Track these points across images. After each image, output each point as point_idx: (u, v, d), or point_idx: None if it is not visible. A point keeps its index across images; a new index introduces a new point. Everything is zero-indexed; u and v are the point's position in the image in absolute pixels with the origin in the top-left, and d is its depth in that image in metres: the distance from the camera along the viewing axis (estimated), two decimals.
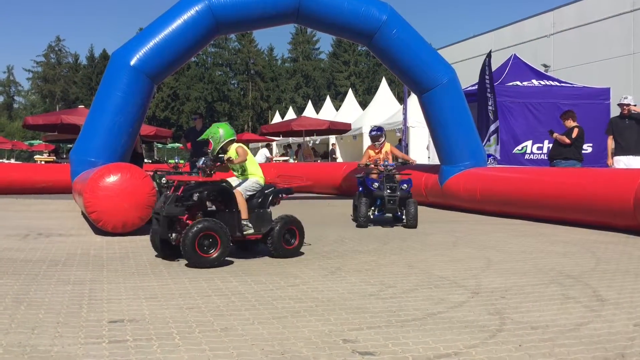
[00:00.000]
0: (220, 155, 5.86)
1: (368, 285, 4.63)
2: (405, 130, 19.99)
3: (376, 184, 8.54)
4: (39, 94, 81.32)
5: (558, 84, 15.77)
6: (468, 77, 19.08)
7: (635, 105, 10.50)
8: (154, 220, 5.79)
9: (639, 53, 22.37)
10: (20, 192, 14.67)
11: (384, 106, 28.50)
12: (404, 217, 8.46)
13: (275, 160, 28.19)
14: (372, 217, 8.56)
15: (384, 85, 31.41)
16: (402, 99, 22.59)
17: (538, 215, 9.13)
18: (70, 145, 19.70)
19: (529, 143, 14.79)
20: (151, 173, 9.68)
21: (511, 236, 7.53)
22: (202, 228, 5.28)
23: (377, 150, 9.42)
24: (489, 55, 14.04)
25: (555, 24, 27.02)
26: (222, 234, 5.34)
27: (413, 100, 16.70)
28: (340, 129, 25.32)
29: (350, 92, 38.82)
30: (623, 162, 10.24)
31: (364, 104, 40.25)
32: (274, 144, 38.55)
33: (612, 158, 10.66)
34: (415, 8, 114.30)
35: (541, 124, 14.26)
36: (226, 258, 5.48)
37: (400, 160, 9.02)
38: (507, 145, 14.33)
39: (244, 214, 5.74)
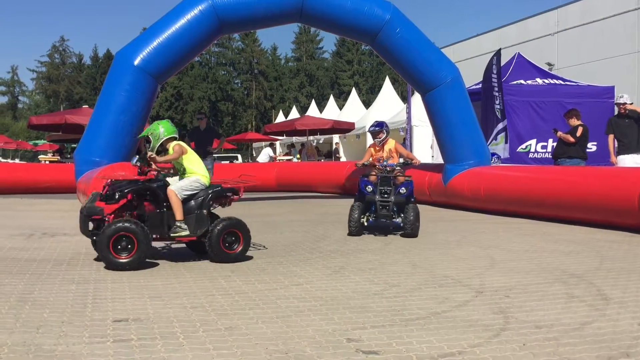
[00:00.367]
0: (145, 153, 5.65)
1: (372, 284, 4.63)
2: (409, 129, 19.96)
3: (370, 186, 7.55)
4: (43, 94, 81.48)
5: (562, 82, 15.73)
6: (472, 76, 19.05)
7: (631, 104, 10.49)
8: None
9: None
10: (25, 192, 14.71)
11: (388, 105, 28.47)
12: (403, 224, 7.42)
13: (279, 160, 28.18)
14: (365, 224, 7.52)
15: (387, 84, 31.38)
16: (405, 98, 22.58)
17: (542, 214, 9.11)
18: (75, 145, 19.73)
19: (533, 142, 14.75)
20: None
21: (515, 235, 7.52)
22: (117, 229, 5.11)
23: (378, 148, 8.46)
24: (497, 54, 13.98)
25: (559, 22, 26.96)
26: (140, 235, 5.13)
27: (417, 99, 16.66)
28: (343, 128, 25.32)
29: (353, 91, 38.78)
30: (628, 160, 10.20)
31: (367, 103, 40.22)
32: (277, 143, 38.59)
33: (615, 157, 10.63)
34: (419, 7, 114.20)
35: (545, 123, 14.21)
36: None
37: (401, 159, 8.13)
38: (511, 143, 14.29)
39: (178, 214, 5.48)
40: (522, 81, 15.21)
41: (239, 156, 37.62)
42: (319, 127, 24.46)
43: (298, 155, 27.87)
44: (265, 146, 36.50)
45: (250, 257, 5.82)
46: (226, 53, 76.31)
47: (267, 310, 3.83)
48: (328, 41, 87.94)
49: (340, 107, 40.19)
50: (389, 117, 25.80)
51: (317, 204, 12.70)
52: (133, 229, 5.13)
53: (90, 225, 5.49)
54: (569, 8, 26.47)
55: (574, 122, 10.74)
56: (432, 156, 19.33)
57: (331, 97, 42.87)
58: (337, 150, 30.80)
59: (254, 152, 47.88)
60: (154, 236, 5.46)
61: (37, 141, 52.74)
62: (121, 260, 5.12)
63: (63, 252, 6.10)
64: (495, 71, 13.59)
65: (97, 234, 5.31)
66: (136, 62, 9.19)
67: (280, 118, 45.33)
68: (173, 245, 6.41)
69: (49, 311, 3.78)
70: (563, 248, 6.43)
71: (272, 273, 5.08)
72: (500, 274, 5.01)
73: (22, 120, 72.12)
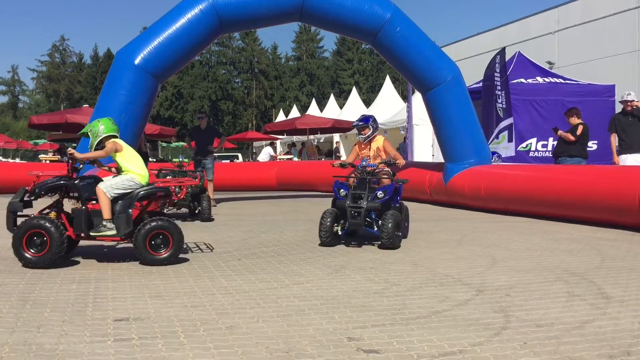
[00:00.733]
0: (69, 150, 5.63)
1: (372, 283, 4.63)
2: (409, 128, 19.95)
3: (343, 190, 6.63)
4: (44, 93, 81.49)
5: (563, 81, 15.73)
6: (472, 75, 19.03)
7: (639, 102, 10.44)
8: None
9: None
10: None
11: (388, 104, 28.45)
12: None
13: (280, 159, 28.19)
14: (340, 233, 6.55)
15: (387, 83, 31.36)
16: (406, 97, 22.54)
17: (543, 213, 9.10)
18: (75, 144, 19.74)
19: (533, 140, 14.75)
20: (156, 172, 9.70)
21: (516, 234, 7.52)
22: (30, 226, 5.10)
23: (363, 146, 7.60)
24: (501, 53, 13.95)
25: (560, 20, 26.94)
26: (54, 232, 5.09)
27: (417, 98, 16.65)
28: (344, 127, 25.29)
29: (354, 90, 38.74)
30: (629, 160, 10.17)
31: (368, 102, 40.16)
32: (278, 142, 38.58)
33: (617, 155, 10.61)
34: (419, 6, 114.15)
35: (546, 122, 14.21)
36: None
37: (385, 159, 7.26)
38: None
39: (105, 213, 5.37)
40: (522, 80, 15.21)
41: (240, 155, 37.66)
42: (320, 126, 24.46)
43: (298, 155, 27.86)
44: (266, 145, 36.51)
45: (251, 256, 5.81)
46: (226, 52, 76.28)
47: (267, 309, 3.83)
48: (328, 40, 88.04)
49: (341, 106, 40.16)
50: (389, 116, 25.80)
51: (317, 202, 12.70)
52: (46, 227, 5.11)
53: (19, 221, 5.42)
54: (570, 6, 26.44)
55: (574, 120, 10.72)
56: (433, 155, 19.33)
57: (332, 96, 42.83)
58: (337, 149, 30.80)
59: (254, 151, 47.88)
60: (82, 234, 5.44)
61: (37, 140, 52.79)
62: (28, 256, 5.13)
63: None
64: (498, 70, 13.57)
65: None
66: (137, 62, 9.19)
67: (281, 117, 45.32)
68: (118, 246, 6.30)
69: (49, 310, 3.78)
70: (564, 247, 6.43)
71: (272, 272, 5.08)
72: (501, 273, 5.01)
73: (23, 119, 72.13)
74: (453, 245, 6.59)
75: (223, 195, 14.09)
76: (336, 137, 31.67)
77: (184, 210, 9.91)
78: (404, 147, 22.00)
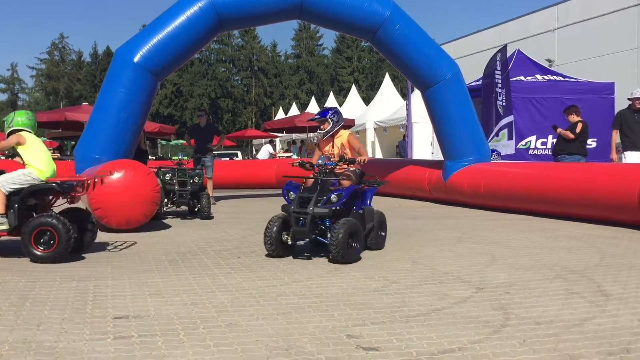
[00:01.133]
0: None
1: (372, 281, 4.63)
2: (409, 126, 19.96)
3: (293, 193, 5.74)
4: (43, 91, 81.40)
5: (562, 78, 15.73)
6: (472, 73, 19.04)
7: None
8: None
9: None
10: None
11: (388, 102, 28.44)
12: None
13: (279, 157, 28.19)
14: (289, 242, 5.57)
15: (387, 81, 31.35)
16: (405, 95, 22.54)
17: (542, 211, 9.11)
18: (75, 142, 19.73)
19: (532, 138, 14.76)
20: (155, 170, 9.69)
21: (515, 231, 7.52)
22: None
23: (325, 142, 6.72)
24: (502, 50, 13.94)
25: (559, 18, 26.95)
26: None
27: (416, 96, 16.65)
28: (343, 125, 25.28)
29: (353, 88, 38.76)
30: (631, 157, 10.15)
31: (367, 100, 40.17)
32: (277, 140, 38.57)
33: (616, 152, 10.59)
34: (419, 3, 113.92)
35: (545, 119, 14.22)
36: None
37: (344, 156, 6.32)
38: None
39: (0, 207, 5.45)
40: (522, 77, 15.21)
41: (239, 153, 37.64)
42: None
43: (298, 152, 27.85)
44: (265, 143, 36.48)
45: (250, 255, 5.81)
46: (226, 50, 76.22)
47: (267, 306, 3.84)
48: (328, 38, 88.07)
49: (340, 103, 40.15)
50: (389, 114, 25.81)
51: None
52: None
53: None
54: (569, 4, 26.45)
55: (574, 118, 10.72)
56: (432, 153, 19.34)
57: (331, 94, 42.85)
58: None
59: (253, 149, 47.87)
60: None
61: None
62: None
63: None
64: (499, 67, 13.56)
65: None
66: (136, 59, 9.18)
67: (280, 115, 45.33)
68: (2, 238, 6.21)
69: (49, 308, 3.78)
70: (563, 244, 6.44)
71: (272, 270, 5.08)
72: (500, 271, 5.01)
73: None
74: (452, 243, 6.59)
75: (222, 193, 14.09)
76: None
77: (184, 208, 9.91)
78: (404, 144, 22.02)
